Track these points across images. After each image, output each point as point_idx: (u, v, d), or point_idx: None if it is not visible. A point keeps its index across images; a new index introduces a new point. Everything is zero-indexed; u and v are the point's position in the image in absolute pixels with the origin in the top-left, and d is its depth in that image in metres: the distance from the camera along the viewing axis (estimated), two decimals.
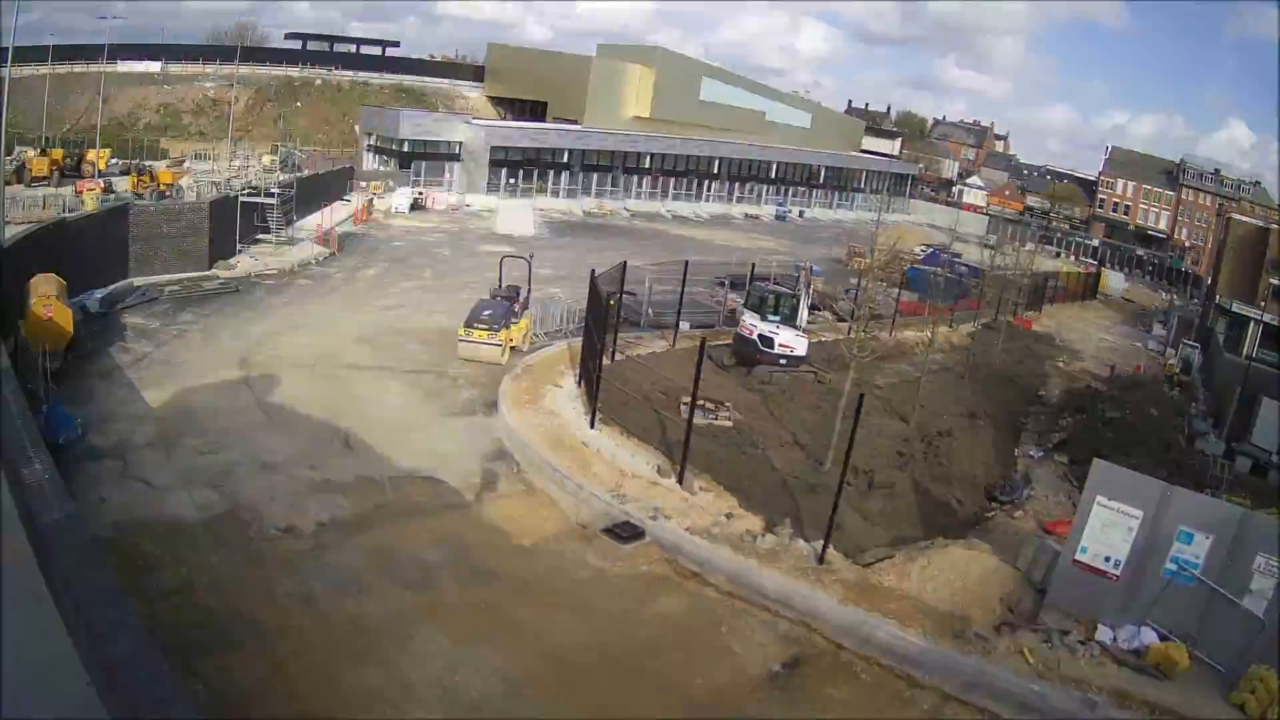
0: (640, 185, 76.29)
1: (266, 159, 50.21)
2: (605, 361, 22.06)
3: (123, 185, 43.98)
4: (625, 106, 77.81)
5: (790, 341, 26.14)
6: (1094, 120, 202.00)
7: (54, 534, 9.72)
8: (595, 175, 73.40)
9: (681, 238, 59.64)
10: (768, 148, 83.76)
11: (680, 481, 18.23)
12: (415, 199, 54.59)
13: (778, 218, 76.35)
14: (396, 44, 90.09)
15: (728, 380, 24.97)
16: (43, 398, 17.14)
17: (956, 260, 50.69)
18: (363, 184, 56.58)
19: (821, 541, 15.81)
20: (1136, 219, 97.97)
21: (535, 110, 79.92)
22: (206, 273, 31.29)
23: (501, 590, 13.77)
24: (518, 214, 53.11)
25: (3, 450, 11.89)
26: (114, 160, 52.55)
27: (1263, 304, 49.80)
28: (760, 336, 26.10)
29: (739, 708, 11.93)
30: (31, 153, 46.57)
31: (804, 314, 27.49)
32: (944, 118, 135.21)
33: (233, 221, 34.84)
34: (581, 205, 67.79)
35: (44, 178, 44.43)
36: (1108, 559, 14.68)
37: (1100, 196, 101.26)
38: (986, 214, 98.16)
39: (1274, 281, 50.01)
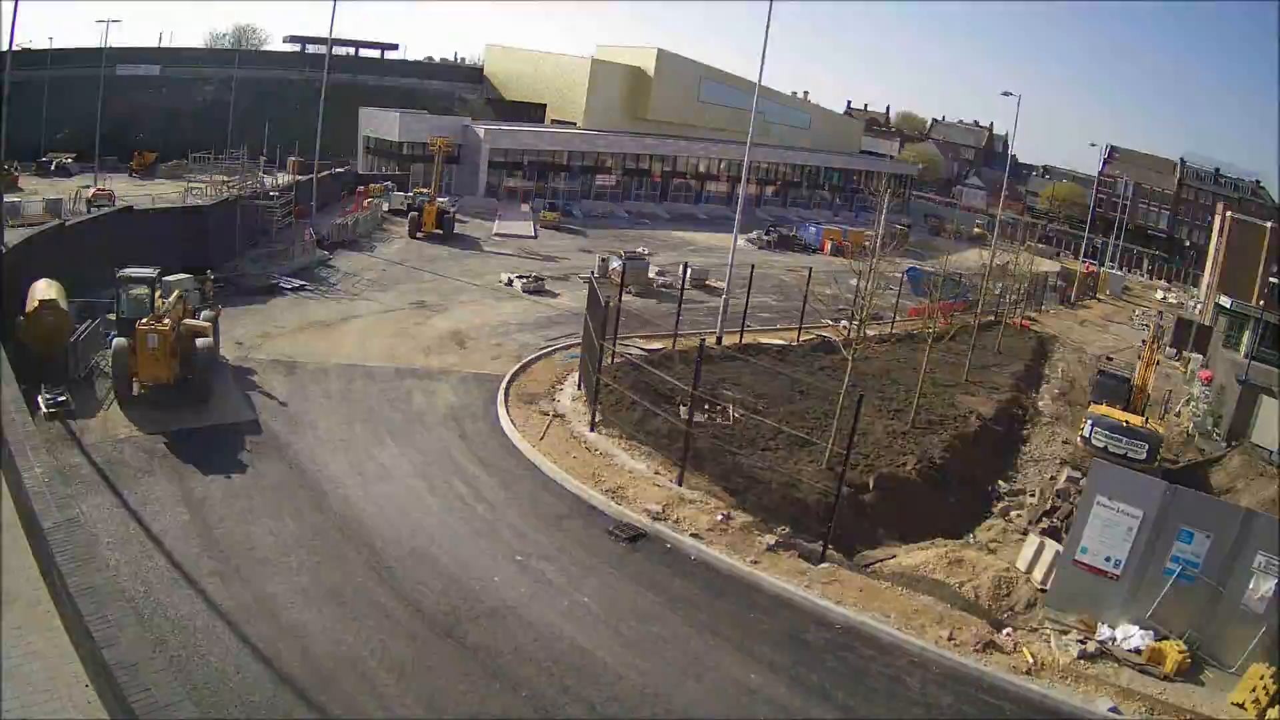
0: (640, 186, 76.31)
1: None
2: (605, 362, 22.06)
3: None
4: (625, 108, 77.84)
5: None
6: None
7: (54, 534, 9.72)
8: (595, 176, 73.43)
9: (682, 239, 59.68)
10: (768, 149, 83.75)
11: (680, 482, 18.24)
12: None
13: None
14: (395, 46, 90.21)
15: None
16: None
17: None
18: (361, 187, 56.49)
19: (821, 541, 15.81)
20: (1136, 218, 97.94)
21: (534, 111, 79.94)
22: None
23: None
24: (517, 215, 53.06)
25: (3, 451, 11.90)
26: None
27: (1262, 303, 49.82)
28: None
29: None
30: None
31: None
32: (943, 118, 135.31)
33: (233, 225, 34.84)
34: (581, 206, 67.78)
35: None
36: (1108, 559, 14.68)
37: (1100, 196, 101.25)
38: (987, 213, 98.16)
39: (1274, 280, 50.06)
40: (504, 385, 23.41)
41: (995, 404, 28.24)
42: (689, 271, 33.72)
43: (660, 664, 12.60)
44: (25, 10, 22.39)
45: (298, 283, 32.61)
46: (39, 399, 18.00)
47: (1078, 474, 22.37)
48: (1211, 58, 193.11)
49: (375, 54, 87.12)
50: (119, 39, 63.62)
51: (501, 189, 66.82)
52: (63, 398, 18.45)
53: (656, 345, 28.20)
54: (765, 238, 62.60)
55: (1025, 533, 18.75)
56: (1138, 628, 14.25)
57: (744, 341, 30.10)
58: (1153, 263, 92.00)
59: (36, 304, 19.84)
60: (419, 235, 44.68)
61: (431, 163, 51.90)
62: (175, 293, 21.17)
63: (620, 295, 26.53)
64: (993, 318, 40.09)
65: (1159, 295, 76.40)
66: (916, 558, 16.45)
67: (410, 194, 51.09)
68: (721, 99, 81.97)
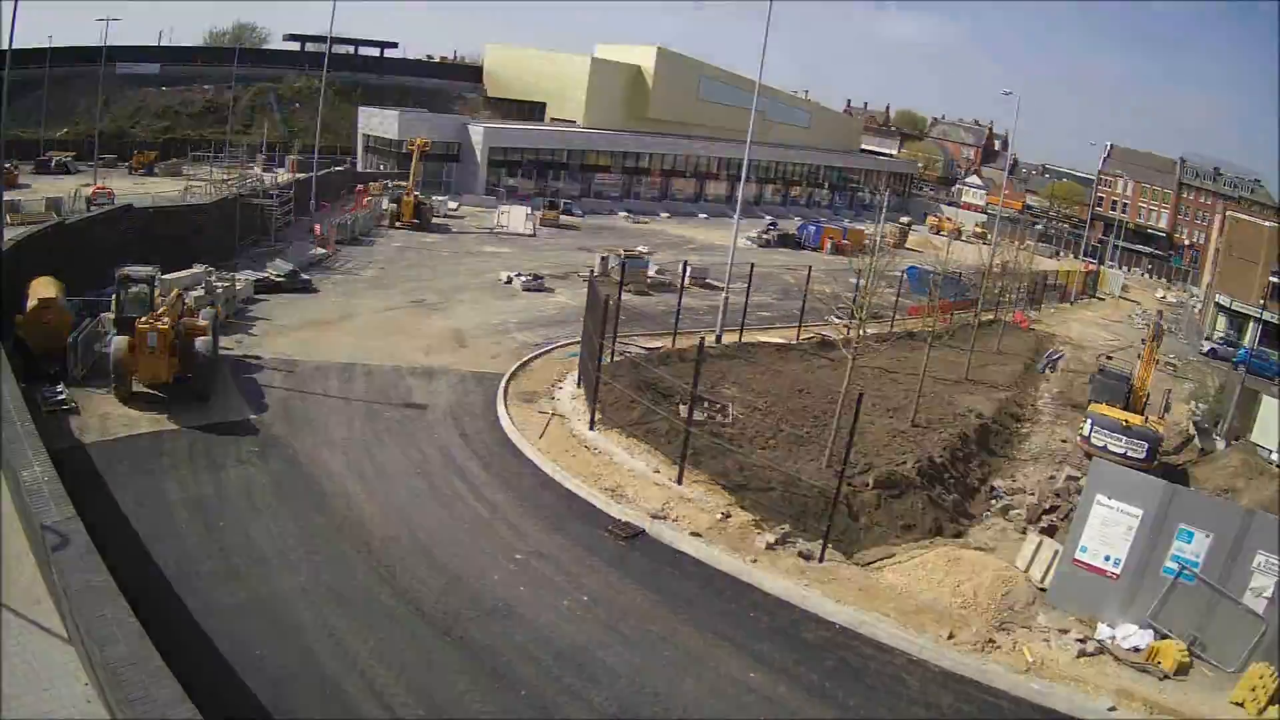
0: (640, 185, 76.33)
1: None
2: (605, 360, 22.04)
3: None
4: (624, 106, 77.81)
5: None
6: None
7: (53, 535, 9.71)
8: (594, 175, 73.45)
9: (682, 237, 59.66)
10: (767, 147, 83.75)
11: (680, 481, 18.23)
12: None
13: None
14: (395, 45, 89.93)
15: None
16: None
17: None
18: (360, 185, 56.50)
19: (821, 541, 15.80)
20: (1136, 217, 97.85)
21: (534, 111, 79.94)
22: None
23: None
24: (516, 214, 53.10)
25: (3, 450, 11.90)
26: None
27: (1262, 302, 49.87)
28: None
29: None
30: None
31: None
32: (943, 116, 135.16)
33: (231, 223, 34.83)
34: (581, 204, 67.79)
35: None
36: (1108, 558, 14.68)
37: (1099, 195, 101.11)
38: (986, 213, 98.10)
39: (1274, 280, 50.09)
40: (504, 384, 23.41)
41: (995, 403, 28.23)
42: (689, 270, 33.73)
43: (659, 663, 12.60)
44: (25, 9, 22.35)
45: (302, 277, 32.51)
46: (39, 397, 18.00)
47: (1077, 473, 22.38)
48: (1211, 57, 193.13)
49: (374, 52, 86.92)
50: (118, 37, 63.54)
51: (501, 187, 66.80)
52: (62, 396, 18.46)
53: (656, 344, 28.19)
54: (765, 236, 62.56)
55: (1025, 532, 18.75)
56: (1137, 627, 14.24)
57: (744, 340, 30.09)
58: (1152, 262, 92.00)
59: (36, 302, 19.81)
60: (398, 225, 47.97)
61: (425, 161, 54.90)
62: (174, 291, 21.18)
63: (620, 294, 26.52)
64: (992, 316, 40.07)
65: (1159, 294, 76.43)
66: (916, 557, 16.43)
67: (390, 187, 55.47)
68: (721, 98, 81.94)
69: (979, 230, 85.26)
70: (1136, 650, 13.90)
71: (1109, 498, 14.61)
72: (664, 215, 71.29)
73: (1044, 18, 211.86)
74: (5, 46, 24.49)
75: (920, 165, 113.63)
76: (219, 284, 26.64)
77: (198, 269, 27.92)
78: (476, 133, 66.71)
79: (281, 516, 15.46)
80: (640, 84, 78.19)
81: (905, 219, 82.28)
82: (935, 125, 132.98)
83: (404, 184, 52.13)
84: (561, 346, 27.59)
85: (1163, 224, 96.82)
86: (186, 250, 31.16)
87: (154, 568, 13.01)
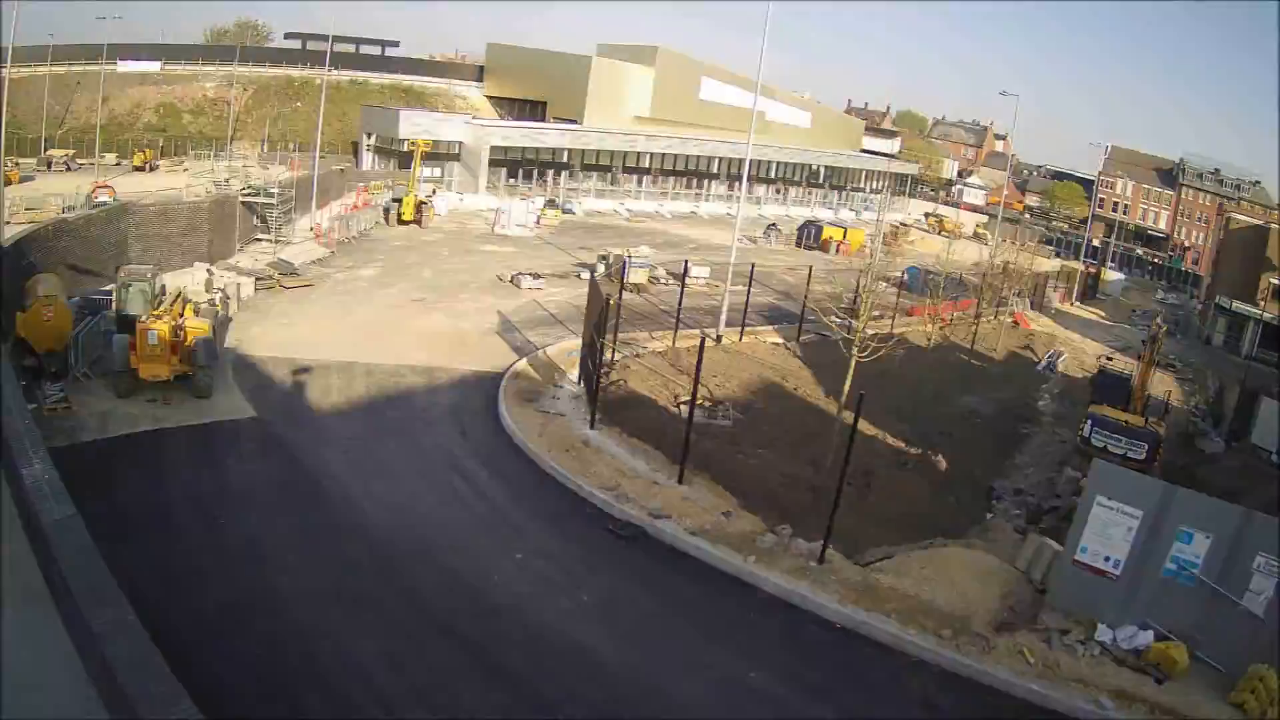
0: (640, 185, 76.27)
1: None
2: (605, 359, 22.04)
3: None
4: (625, 106, 77.70)
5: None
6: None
7: (54, 534, 9.70)
8: (595, 175, 73.39)
9: (682, 237, 59.63)
10: (768, 147, 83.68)
11: (680, 481, 18.23)
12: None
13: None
14: (396, 43, 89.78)
15: None
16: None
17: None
18: (361, 184, 56.43)
19: (821, 541, 15.80)
20: (1136, 218, 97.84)
21: (535, 110, 79.89)
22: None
23: None
24: (516, 213, 53.11)
25: (3, 450, 11.89)
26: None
27: (1262, 303, 49.90)
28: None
29: None
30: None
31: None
32: (944, 117, 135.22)
33: (231, 221, 34.80)
34: (582, 203, 67.73)
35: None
36: (1107, 559, 14.67)
37: (1100, 196, 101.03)
38: (986, 213, 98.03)
39: (1274, 281, 50.11)
40: (504, 383, 23.40)
41: (995, 403, 28.25)
42: (689, 269, 33.71)
43: (659, 663, 12.60)
44: (25, 6, 22.39)
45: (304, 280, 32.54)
46: (39, 395, 17.99)
47: (1077, 473, 22.39)
48: (1212, 58, 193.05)
49: (376, 51, 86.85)
50: (119, 35, 63.49)
51: (502, 186, 66.75)
52: (63, 394, 18.44)
53: (657, 343, 28.20)
54: (765, 236, 62.51)
55: (1025, 532, 18.75)
56: (1137, 628, 14.23)
57: (744, 339, 30.10)
58: (1152, 263, 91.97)
59: (36, 300, 19.80)
60: (399, 224, 48.23)
61: (426, 159, 55.54)
62: (176, 290, 21.20)
63: (620, 292, 26.54)
64: (993, 317, 40.10)
65: (1158, 295, 76.40)
66: (916, 558, 16.43)
67: (391, 186, 55.59)
68: (722, 97, 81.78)
69: (979, 230, 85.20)
70: (1136, 651, 13.89)
71: (1109, 498, 14.61)
72: (664, 215, 71.24)
73: (1045, 17, 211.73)
74: (5, 45, 24.50)
75: (920, 166, 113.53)
76: (219, 282, 26.64)
77: (198, 267, 27.89)
78: (477, 132, 66.67)
79: (282, 515, 15.46)
80: (641, 83, 78.10)
81: (905, 219, 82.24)
82: (935, 125, 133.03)
83: (404, 183, 52.46)
84: (561, 345, 27.59)
85: (1163, 225, 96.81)
86: (187, 248, 31.20)
87: (155, 567, 13.00)
